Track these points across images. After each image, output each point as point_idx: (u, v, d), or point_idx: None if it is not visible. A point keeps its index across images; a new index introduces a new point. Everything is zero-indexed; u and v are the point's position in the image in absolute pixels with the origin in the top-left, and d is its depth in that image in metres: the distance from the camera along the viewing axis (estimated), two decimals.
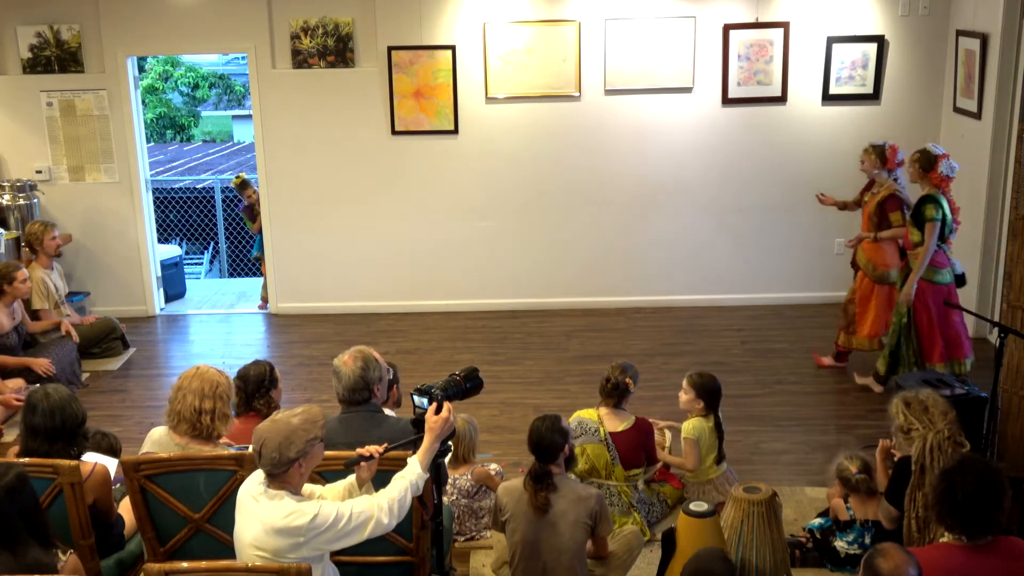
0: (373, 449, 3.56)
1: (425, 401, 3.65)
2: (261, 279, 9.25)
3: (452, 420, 3.60)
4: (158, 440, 4.14)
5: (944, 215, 6.21)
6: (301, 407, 3.44)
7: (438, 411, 3.60)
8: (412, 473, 3.52)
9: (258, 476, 3.41)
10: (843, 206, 7.16)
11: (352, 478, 3.62)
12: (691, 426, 5.28)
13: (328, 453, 3.62)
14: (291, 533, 3.26)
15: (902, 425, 4.30)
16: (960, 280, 6.48)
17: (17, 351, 6.85)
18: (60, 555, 3.46)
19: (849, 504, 4.79)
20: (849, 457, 4.87)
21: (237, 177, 9.15)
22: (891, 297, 6.67)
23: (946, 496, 3.43)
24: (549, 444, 4.15)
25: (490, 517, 4.70)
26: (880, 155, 6.69)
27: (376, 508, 3.40)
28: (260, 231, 8.91)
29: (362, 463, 3.55)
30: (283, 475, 3.33)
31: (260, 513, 3.31)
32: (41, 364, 6.68)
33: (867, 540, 4.67)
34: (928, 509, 4.14)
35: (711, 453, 5.30)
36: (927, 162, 6.25)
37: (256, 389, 4.64)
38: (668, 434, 5.59)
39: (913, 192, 6.66)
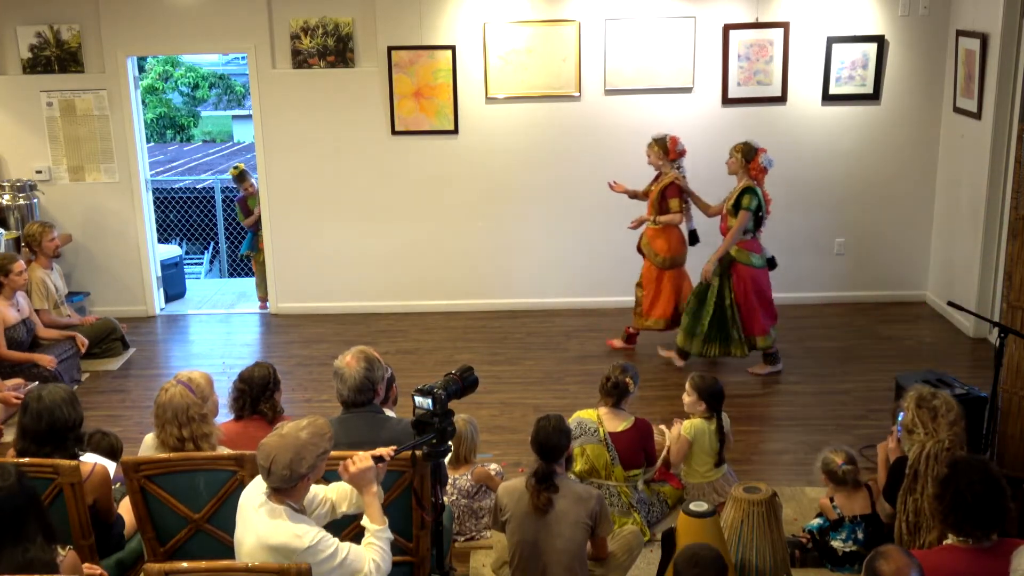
0: (386, 452, 3.54)
1: (426, 402, 3.64)
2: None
3: (372, 468, 3.45)
4: (152, 446, 4.12)
5: (759, 204, 6.79)
6: (306, 419, 3.38)
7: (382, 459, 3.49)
8: (377, 539, 3.44)
9: (260, 485, 3.36)
10: (632, 195, 7.44)
11: None
12: (690, 425, 5.30)
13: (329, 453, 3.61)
14: (286, 554, 3.22)
15: (907, 423, 4.30)
16: (771, 263, 7.00)
17: (25, 347, 6.88)
18: (60, 550, 3.45)
19: (835, 503, 4.79)
20: (833, 450, 4.88)
21: (235, 168, 9.06)
22: (676, 281, 7.28)
23: (957, 503, 3.41)
24: (555, 445, 4.15)
25: (490, 517, 4.70)
26: (663, 147, 7.13)
27: (368, 563, 3.37)
28: (253, 226, 8.89)
29: (378, 465, 3.53)
30: (290, 489, 3.30)
31: (258, 527, 3.28)
32: (46, 360, 6.70)
33: (860, 535, 4.69)
34: (919, 515, 4.15)
35: (711, 455, 5.30)
36: (748, 153, 6.79)
37: (261, 392, 4.62)
38: (667, 433, 5.58)
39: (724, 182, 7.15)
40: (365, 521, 3.49)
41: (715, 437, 5.29)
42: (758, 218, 6.86)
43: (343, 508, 3.61)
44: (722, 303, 6.93)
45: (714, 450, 5.29)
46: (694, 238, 7.29)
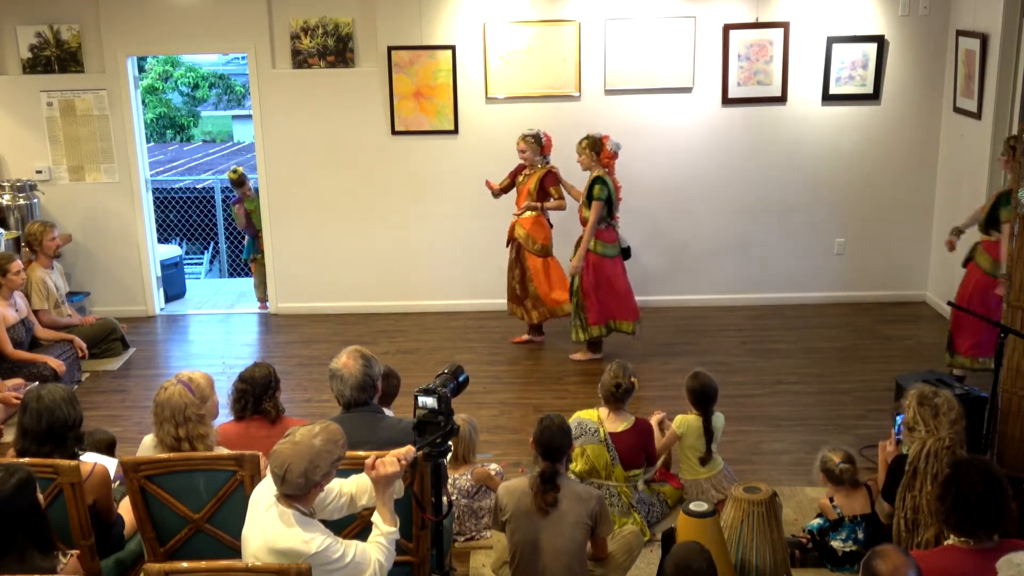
0: (409, 453, 3.51)
1: (431, 401, 3.63)
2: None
3: (398, 472, 3.44)
4: (150, 447, 4.11)
5: (609, 194, 7.03)
6: (319, 425, 3.34)
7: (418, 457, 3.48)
8: (385, 539, 3.44)
9: (271, 486, 3.33)
10: (495, 193, 7.69)
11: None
12: (681, 419, 5.31)
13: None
14: (292, 558, 3.20)
15: (908, 421, 4.32)
16: (626, 253, 7.29)
17: (24, 347, 6.88)
18: (61, 557, 3.45)
19: (835, 503, 4.79)
20: (832, 449, 4.89)
21: (233, 171, 8.98)
22: (554, 267, 7.53)
23: (959, 503, 3.40)
24: (559, 445, 4.15)
25: (490, 517, 4.70)
26: (537, 142, 7.41)
27: (373, 563, 3.36)
28: (250, 229, 8.87)
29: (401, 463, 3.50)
30: (302, 495, 3.28)
31: (265, 528, 3.27)
32: (56, 364, 6.74)
33: (860, 535, 4.69)
34: (917, 512, 4.16)
35: (697, 452, 5.30)
36: (595, 145, 7.08)
37: (263, 391, 4.61)
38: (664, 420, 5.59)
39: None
40: (376, 519, 3.48)
41: (702, 435, 5.29)
42: (610, 206, 7.08)
43: (362, 501, 3.58)
44: (571, 287, 7.26)
45: (697, 447, 5.29)
46: (627, 255, 7.45)
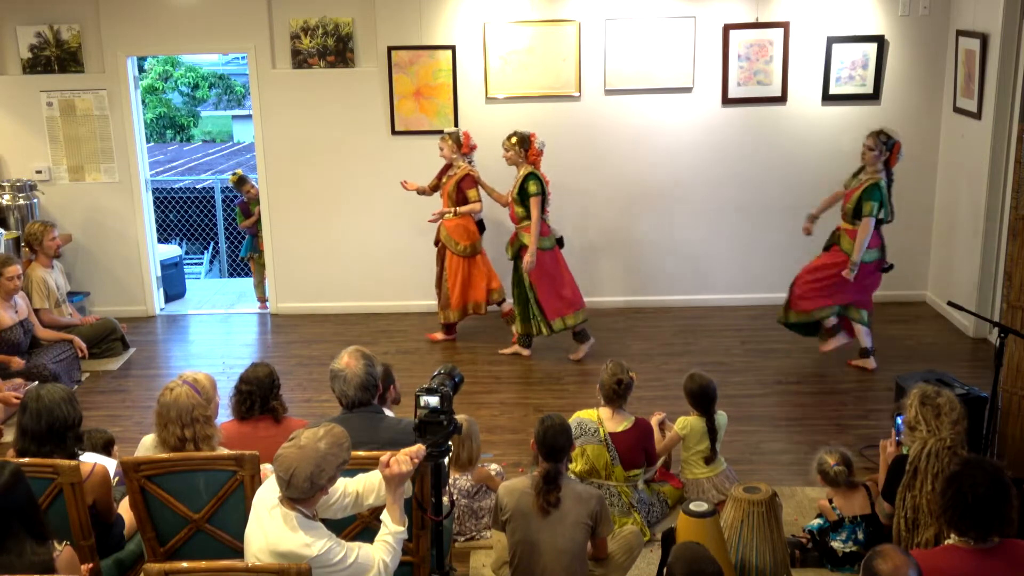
0: (420, 452, 3.52)
1: (434, 400, 3.63)
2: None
3: (412, 470, 3.45)
4: (150, 447, 4.11)
5: (542, 187, 7.09)
6: (323, 428, 3.33)
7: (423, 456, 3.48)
8: (392, 538, 3.44)
9: (275, 487, 3.33)
10: (421, 191, 7.80)
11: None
12: (683, 420, 5.32)
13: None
14: (293, 560, 3.20)
15: (910, 420, 4.32)
16: (560, 242, 7.34)
17: (23, 347, 6.86)
18: (56, 545, 3.45)
19: (834, 504, 4.79)
20: (828, 451, 4.89)
21: (234, 174, 9.13)
22: (482, 265, 7.68)
23: (957, 501, 3.41)
24: (562, 445, 4.15)
25: (490, 517, 4.70)
26: (456, 141, 7.48)
27: (378, 563, 3.36)
28: (251, 228, 8.90)
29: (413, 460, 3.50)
30: (307, 499, 3.28)
31: (268, 530, 3.27)
32: (78, 342, 7.05)
33: (860, 536, 4.69)
34: (917, 512, 4.16)
35: (700, 452, 5.30)
36: (524, 142, 7.14)
37: (269, 390, 4.63)
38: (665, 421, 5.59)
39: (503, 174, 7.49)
40: (385, 517, 3.47)
41: (705, 435, 5.29)
42: (543, 201, 7.15)
43: (369, 500, 3.58)
44: (521, 284, 7.30)
45: (702, 449, 5.29)
46: (481, 227, 7.69)
